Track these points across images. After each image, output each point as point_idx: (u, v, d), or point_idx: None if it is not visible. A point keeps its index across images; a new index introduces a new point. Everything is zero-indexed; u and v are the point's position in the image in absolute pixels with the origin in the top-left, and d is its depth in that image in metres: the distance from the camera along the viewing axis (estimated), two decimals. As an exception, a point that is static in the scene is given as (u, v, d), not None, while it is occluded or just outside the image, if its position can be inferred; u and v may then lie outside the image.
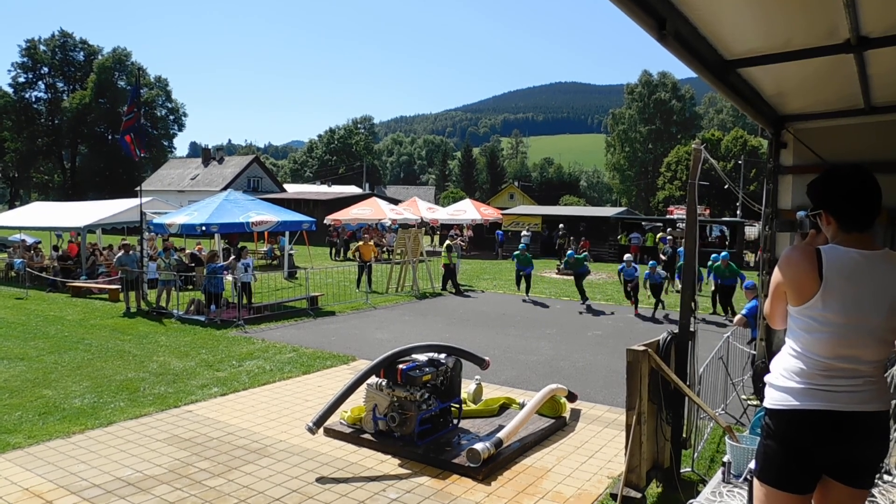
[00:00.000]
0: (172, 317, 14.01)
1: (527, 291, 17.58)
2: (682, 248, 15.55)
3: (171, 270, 15.37)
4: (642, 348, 5.17)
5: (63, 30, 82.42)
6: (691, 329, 5.69)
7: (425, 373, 6.59)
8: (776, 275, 2.72)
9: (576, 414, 7.77)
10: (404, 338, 11.46)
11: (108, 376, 9.25)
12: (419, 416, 6.46)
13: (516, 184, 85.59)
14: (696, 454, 6.17)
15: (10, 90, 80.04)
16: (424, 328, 12.97)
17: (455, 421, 7.01)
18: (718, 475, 4.57)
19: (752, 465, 3.22)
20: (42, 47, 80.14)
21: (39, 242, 23.82)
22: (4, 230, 24.62)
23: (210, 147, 64.46)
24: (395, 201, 38.90)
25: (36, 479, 5.79)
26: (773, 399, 2.69)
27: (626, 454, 5.18)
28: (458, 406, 7.07)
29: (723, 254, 15.04)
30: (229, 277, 15.40)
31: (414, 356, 6.90)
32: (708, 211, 45.87)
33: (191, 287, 17.15)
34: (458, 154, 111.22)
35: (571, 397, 7.80)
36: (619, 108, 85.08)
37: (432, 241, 37.64)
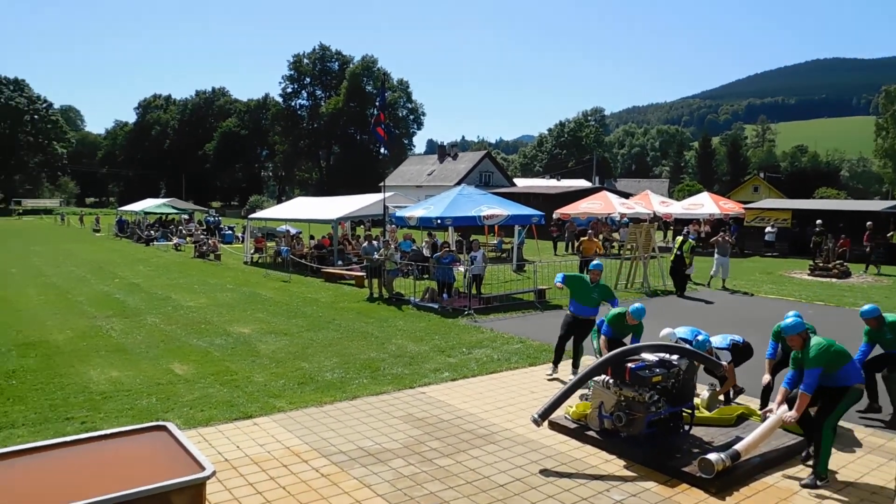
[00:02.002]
0: (409, 303, 15.01)
1: (574, 363, 9.05)
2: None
3: (394, 261, 16.35)
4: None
5: (322, 43, 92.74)
6: None
7: (655, 373, 6.29)
8: None
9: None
10: (632, 336, 11.05)
11: (354, 355, 10.18)
12: (647, 418, 6.18)
13: (761, 175, 78.10)
14: None
15: (280, 100, 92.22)
16: (653, 327, 12.39)
17: (686, 427, 6.61)
18: None
19: None
20: (305, 60, 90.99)
21: (300, 233, 26.98)
22: (273, 221, 28.25)
23: (445, 144, 67.84)
24: (626, 195, 37.73)
25: (295, 441, 6.56)
26: None
27: None
28: (690, 412, 6.65)
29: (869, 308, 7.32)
30: (461, 268, 16.09)
31: (643, 355, 6.63)
32: None
33: (426, 276, 18.23)
34: (695, 144, 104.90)
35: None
36: (894, 84, 73.66)
37: (665, 236, 35.92)
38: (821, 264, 21.18)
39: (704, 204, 29.93)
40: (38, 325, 12.24)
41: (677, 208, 31.30)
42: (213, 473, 4.14)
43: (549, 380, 8.83)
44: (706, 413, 7.06)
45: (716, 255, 18.30)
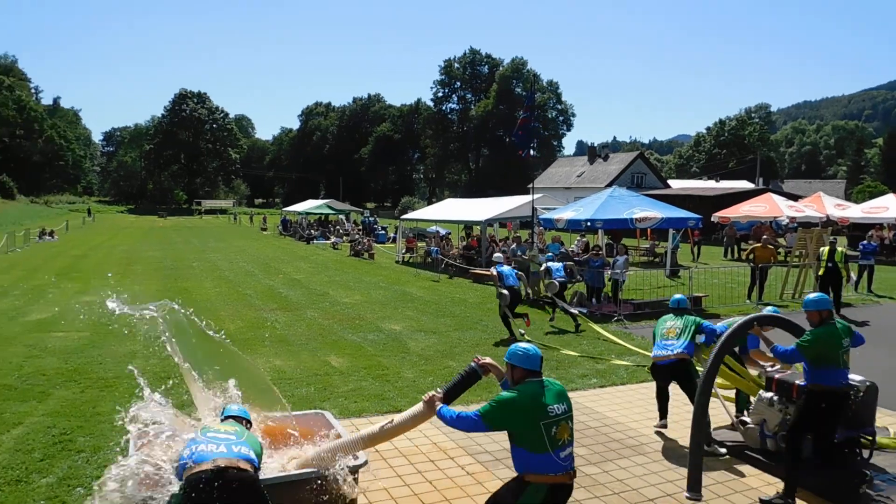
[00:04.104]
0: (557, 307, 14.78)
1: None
2: None
3: (539, 263, 16.08)
4: None
5: (472, 48, 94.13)
6: None
7: (828, 392, 5.73)
8: None
9: None
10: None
11: (500, 356, 10.17)
12: (817, 441, 5.65)
13: (964, 174, 69.12)
14: None
15: (431, 104, 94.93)
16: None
17: (865, 454, 5.97)
18: None
19: None
20: (456, 65, 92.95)
21: (450, 233, 27.53)
22: (424, 222, 29.06)
23: (595, 145, 66.41)
24: (795, 197, 34.91)
25: (442, 437, 6.69)
26: None
27: None
28: (870, 438, 5.99)
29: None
30: (608, 273, 15.63)
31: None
32: None
33: (575, 280, 17.87)
34: (879, 141, 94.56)
35: None
36: None
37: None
38: None
39: (889, 207, 26.93)
40: (214, 314, 13.43)
41: (856, 212, 28.45)
42: (366, 462, 4.32)
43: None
44: (892, 439, 6.34)
45: None
